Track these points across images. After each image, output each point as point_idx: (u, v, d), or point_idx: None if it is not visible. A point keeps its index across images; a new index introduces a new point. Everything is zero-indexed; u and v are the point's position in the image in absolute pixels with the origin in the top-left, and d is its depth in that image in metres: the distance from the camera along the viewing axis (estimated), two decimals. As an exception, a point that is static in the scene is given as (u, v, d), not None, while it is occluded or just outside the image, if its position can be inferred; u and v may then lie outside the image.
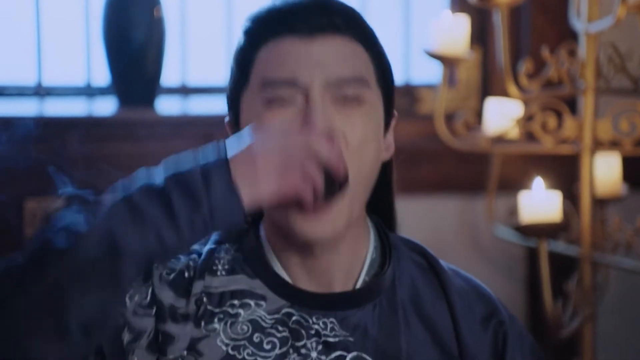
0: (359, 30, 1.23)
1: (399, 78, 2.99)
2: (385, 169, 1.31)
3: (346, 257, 1.25)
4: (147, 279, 1.22)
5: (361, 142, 1.19)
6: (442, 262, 1.33)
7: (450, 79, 3.02)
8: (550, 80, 2.49)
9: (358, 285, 1.25)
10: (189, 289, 1.23)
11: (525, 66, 2.50)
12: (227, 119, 1.27)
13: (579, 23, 2.50)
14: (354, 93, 1.19)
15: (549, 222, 2.43)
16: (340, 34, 1.20)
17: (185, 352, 1.21)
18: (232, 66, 1.25)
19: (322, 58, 1.18)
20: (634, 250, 2.47)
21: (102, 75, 2.71)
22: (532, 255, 2.75)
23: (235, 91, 1.24)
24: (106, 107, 2.62)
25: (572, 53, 2.49)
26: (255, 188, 1.07)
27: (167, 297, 1.22)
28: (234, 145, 1.09)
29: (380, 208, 1.34)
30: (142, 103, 2.49)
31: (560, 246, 2.58)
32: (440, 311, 1.28)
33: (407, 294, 1.27)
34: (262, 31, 1.21)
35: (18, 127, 2.33)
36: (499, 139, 2.54)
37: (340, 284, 1.25)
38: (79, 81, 2.78)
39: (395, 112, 1.29)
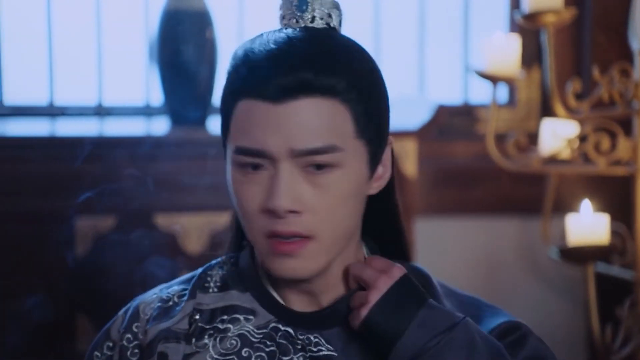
0: (337, 84, 1.17)
1: (457, 97, 2.97)
2: (387, 194, 1.29)
3: (335, 279, 1.26)
4: None
5: (335, 205, 1.18)
6: (442, 284, 1.33)
7: (510, 99, 2.99)
8: (603, 100, 2.45)
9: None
10: (179, 310, 1.28)
11: (573, 86, 2.46)
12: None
13: (635, 42, 2.45)
14: (325, 161, 1.17)
15: (595, 245, 2.38)
16: (312, 94, 1.16)
17: None
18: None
19: (291, 128, 1.16)
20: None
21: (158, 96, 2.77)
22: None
23: (222, 131, 1.24)
24: (161, 127, 2.67)
25: (626, 73, 2.43)
26: None
27: (157, 329, 1.27)
28: None
29: (386, 233, 1.33)
30: (193, 123, 2.53)
31: (614, 270, 2.53)
32: None
33: None
34: (236, 87, 1.19)
35: (77, 147, 2.39)
36: (553, 160, 2.50)
37: (328, 303, 1.26)
38: (138, 101, 2.85)
39: (391, 138, 1.26)
